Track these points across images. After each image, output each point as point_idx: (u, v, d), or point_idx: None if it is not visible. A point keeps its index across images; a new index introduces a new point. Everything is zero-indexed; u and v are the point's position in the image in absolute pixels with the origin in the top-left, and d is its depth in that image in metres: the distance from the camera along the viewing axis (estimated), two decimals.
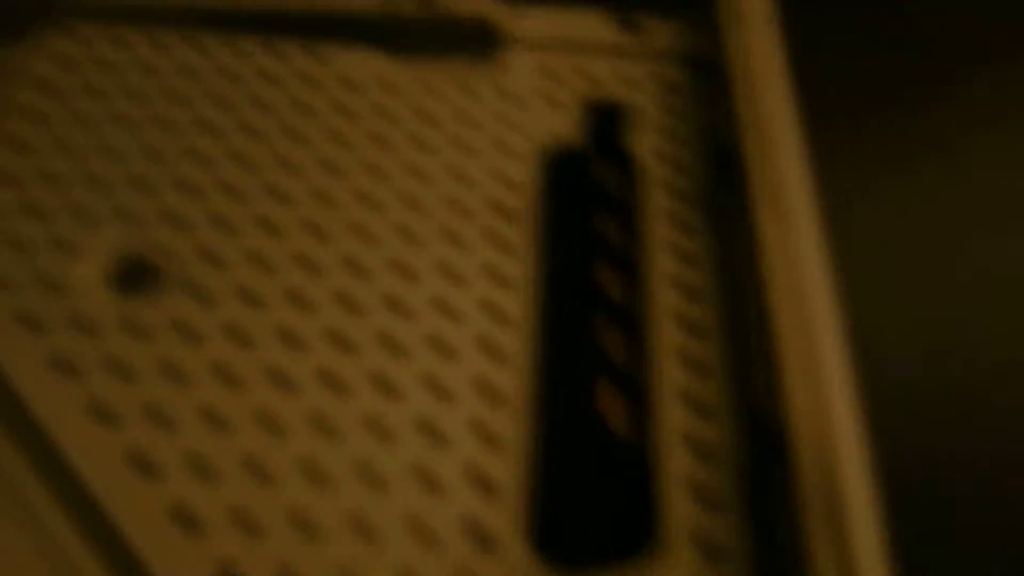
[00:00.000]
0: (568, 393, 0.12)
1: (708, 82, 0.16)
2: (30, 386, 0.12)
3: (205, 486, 0.11)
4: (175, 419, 0.12)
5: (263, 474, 0.12)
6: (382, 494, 0.11)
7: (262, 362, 0.13)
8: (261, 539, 0.11)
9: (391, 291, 0.13)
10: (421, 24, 0.17)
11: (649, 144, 0.15)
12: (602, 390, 0.12)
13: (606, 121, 0.15)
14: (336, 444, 0.12)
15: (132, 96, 0.16)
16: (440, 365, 0.13)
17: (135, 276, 0.14)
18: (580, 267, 0.13)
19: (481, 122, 0.16)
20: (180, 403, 0.12)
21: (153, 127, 0.15)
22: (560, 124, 0.15)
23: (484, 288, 0.13)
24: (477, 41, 0.17)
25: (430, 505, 0.11)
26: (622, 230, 0.14)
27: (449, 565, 0.11)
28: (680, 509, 0.11)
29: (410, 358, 0.13)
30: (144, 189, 0.14)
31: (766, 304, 0.12)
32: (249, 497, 0.11)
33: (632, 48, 0.17)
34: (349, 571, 0.11)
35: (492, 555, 0.11)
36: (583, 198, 0.14)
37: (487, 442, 0.12)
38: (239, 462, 0.12)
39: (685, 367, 0.12)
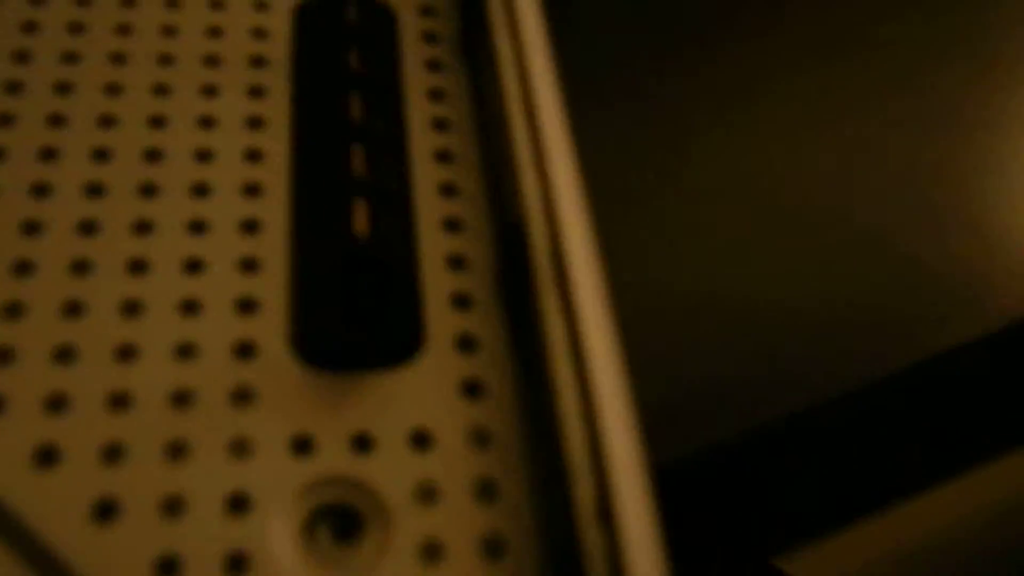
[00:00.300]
0: (325, 215, 0.12)
1: None
2: None
3: None
4: None
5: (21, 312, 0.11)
6: (145, 320, 0.11)
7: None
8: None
9: (147, 142, 0.13)
10: None
11: None
12: (357, 208, 0.12)
13: None
14: (97, 281, 0.11)
15: None
16: (200, 205, 0.12)
17: None
18: (335, 103, 0.13)
19: None
20: None
21: None
22: None
23: (240, 131, 0.13)
24: None
25: (194, 328, 0.11)
26: (377, 70, 0.13)
27: (216, 377, 0.11)
28: (437, 313, 0.12)
29: (169, 199, 0.12)
30: None
31: (505, 118, 0.12)
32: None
33: None
34: (120, 392, 0.11)
35: (256, 363, 0.11)
36: (337, 41, 0.13)
37: (248, 268, 0.12)
38: None
39: (441, 191, 0.13)
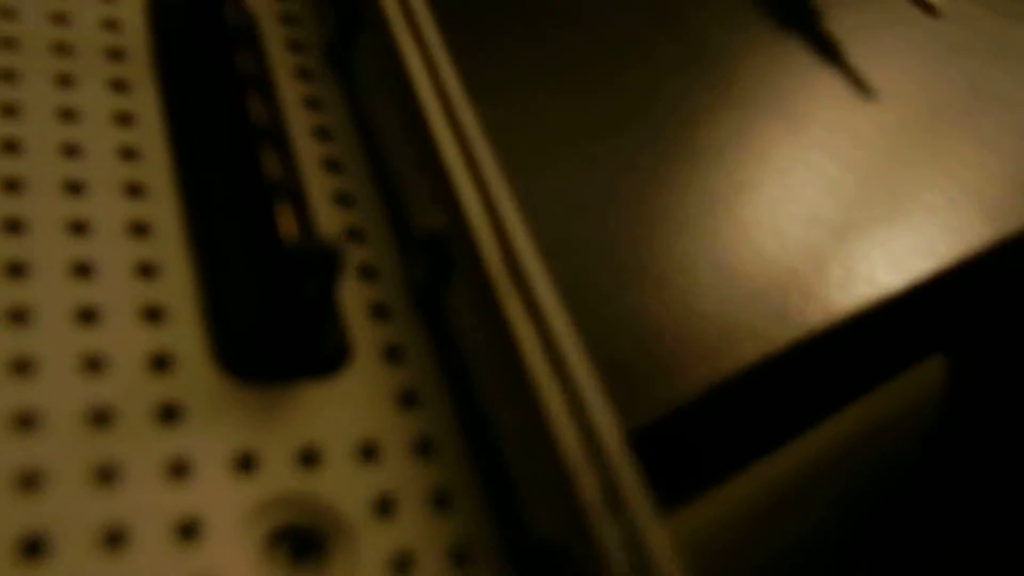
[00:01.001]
0: (241, 218, 0.11)
1: None
2: None
3: None
4: None
5: None
6: (42, 334, 0.10)
7: None
8: None
9: (7, 137, 0.11)
10: None
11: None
12: (281, 211, 0.11)
13: None
14: None
15: None
16: (80, 205, 0.11)
17: None
18: (228, 103, 0.12)
19: None
20: None
21: None
22: None
23: (107, 127, 0.12)
24: None
25: (99, 340, 0.10)
26: (263, 73, 0.12)
27: (135, 393, 0.10)
28: (359, 323, 0.11)
29: (45, 200, 0.11)
30: None
31: (425, 122, 0.12)
32: None
33: None
34: (27, 416, 0.09)
35: (177, 376, 0.10)
36: (219, 41, 0.12)
37: (147, 274, 0.11)
38: None
39: (335, 201, 0.12)
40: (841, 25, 0.26)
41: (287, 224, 0.11)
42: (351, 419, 0.10)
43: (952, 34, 0.28)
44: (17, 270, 0.10)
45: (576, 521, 0.09)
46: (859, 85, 0.23)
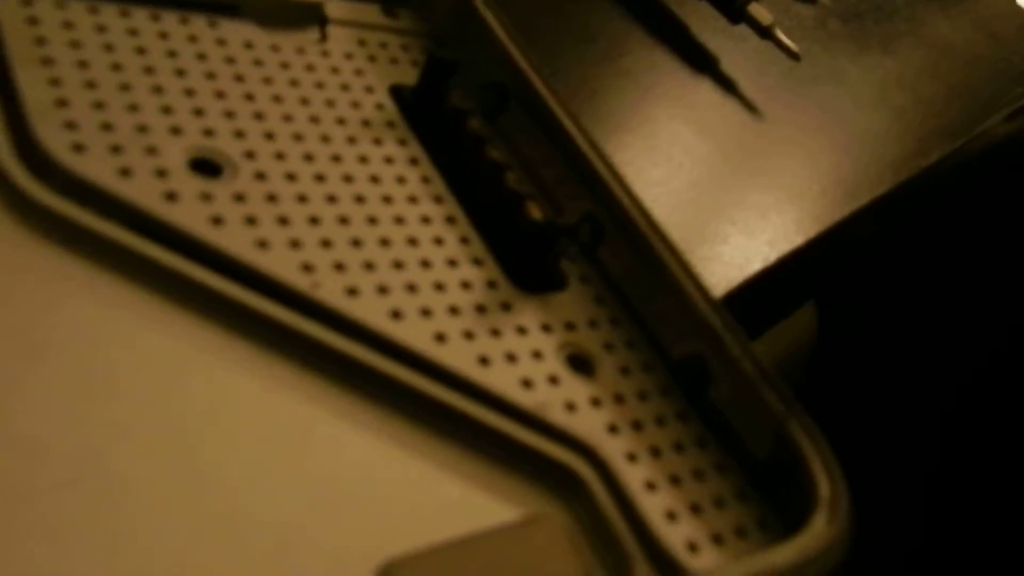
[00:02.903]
0: (492, 207, 0.21)
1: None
2: None
3: None
4: None
5: None
6: (425, 272, 0.18)
7: None
8: None
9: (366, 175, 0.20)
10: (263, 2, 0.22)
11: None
12: (531, 207, 0.21)
13: (439, 69, 0.22)
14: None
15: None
16: (411, 208, 0.20)
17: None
18: (474, 151, 0.22)
19: (337, 68, 0.22)
20: None
21: None
22: (384, 74, 0.23)
23: (405, 165, 0.21)
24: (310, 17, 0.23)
25: (455, 274, 0.20)
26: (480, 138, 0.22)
27: (477, 304, 0.18)
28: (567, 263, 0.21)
29: (390, 209, 0.20)
30: None
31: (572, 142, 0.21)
32: None
33: (400, 28, 0.24)
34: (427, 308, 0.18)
35: (497, 289, 0.20)
36: (445, 115, 0.21)
37: (464, 242, 0.20)
38: None
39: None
40: (728, 66, 0.37)
41: (535, 212, 0.20)
42: (576, 309, 0.20)
43: (804, 68, 0.41)
44: (399, 265, 0.19)
45: (710, 340, 0.19)
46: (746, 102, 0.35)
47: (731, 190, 0.32)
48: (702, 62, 0.37)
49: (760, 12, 0.37)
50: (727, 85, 0.37)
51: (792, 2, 0.45)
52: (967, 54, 0.48)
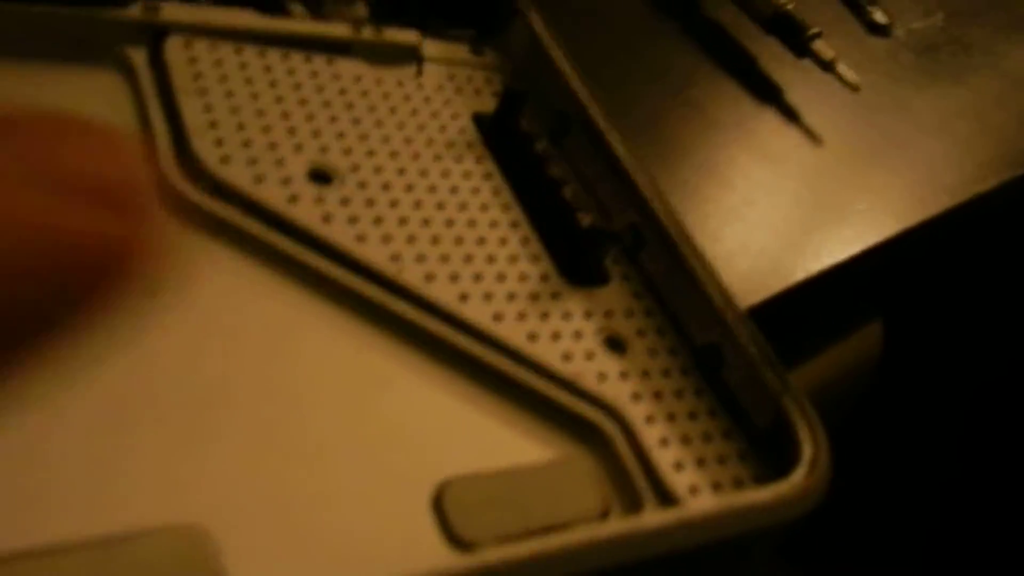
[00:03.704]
0: (553, 216, 0.26)
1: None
2: None
3: None
4: None
5: None
6: (489, 265, 0.22)
7: None
8: None
9: (448, 189, 0.25)
10: (370, 44, 0.27)
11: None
12: (582, 216, 0.25)
13: (513, 100, 0.26)
14: None
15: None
16: (485, 214, 0.25)
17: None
18: (538, 168, 0.26)
19: (429, 98, 0.26)
20: None
21: None
22: (469, 103, 0.27)
23: (480, 179, 0.26)
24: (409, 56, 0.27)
25: (515, 268, 0.24)
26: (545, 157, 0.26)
27: (535, 292, 0.22)
28: (609, 266, 0.25)
29: (467, 214, 0.24)
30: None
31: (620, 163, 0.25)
32: None
33: (485, 64, 0.29)
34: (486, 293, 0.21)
35: (548, 282, 0.23)
36: (517, 138, 0.26)
37: (524, 243, 0.25)
38: None
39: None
40: (793, 97, 0.41)
41: (585, 219, 0.25)
42: (617, 300, 0.24)
43: (869, 98, 0.44)
44: (469, 258, 0.24)
45: (724, 331, 0.23)
46: (811, 135, 0.38)
47: (779, 207, 0.35)
48: (767, 93, 0.41)
49: (823, 48, 0.40)
50: (790, 114, 0.40)
51: (866, 36, 0.48)
52: None
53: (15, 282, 0.10)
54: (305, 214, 0.22)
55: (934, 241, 0.42)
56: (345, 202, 0.23)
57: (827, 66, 0.40)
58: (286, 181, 0.23)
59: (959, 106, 0.46)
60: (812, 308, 0.38)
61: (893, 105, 0.44)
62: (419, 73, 0.28)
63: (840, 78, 0.40)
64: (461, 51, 0.30)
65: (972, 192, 0.41)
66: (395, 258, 0.22)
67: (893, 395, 0.55)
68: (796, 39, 0.41)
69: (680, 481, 0.20)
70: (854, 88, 0.40)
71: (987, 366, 0.55)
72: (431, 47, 0.29)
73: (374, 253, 0.22)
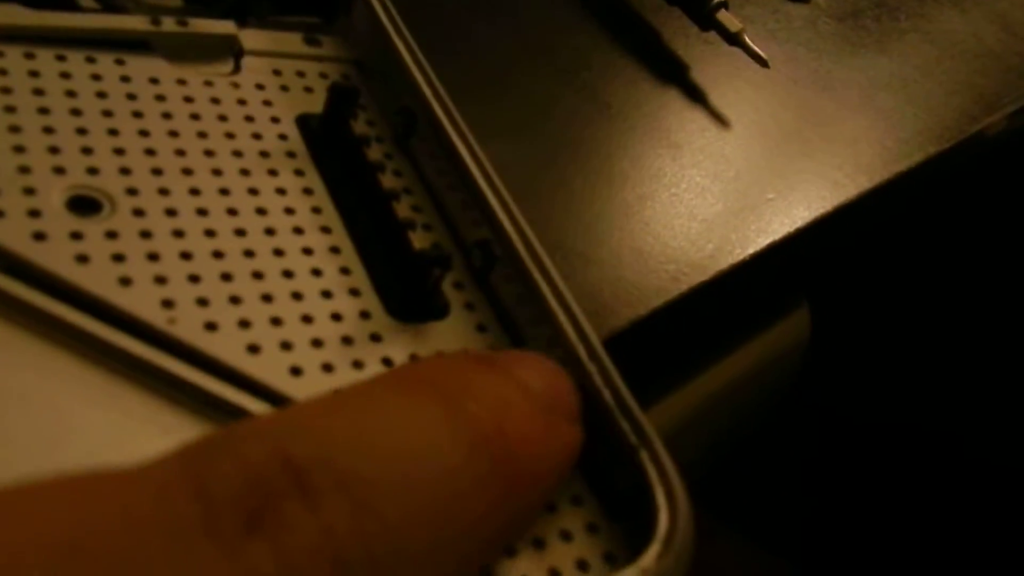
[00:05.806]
0: (381, 239, 0.22)
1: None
2: None
3: None
4: None
5: None
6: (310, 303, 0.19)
7: None
8: None
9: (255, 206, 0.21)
10: (173, 37, 0.23)
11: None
12: (413, 237, 0.21)
13: (340, 98, 0.22)
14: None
15: None
16: (299, 240, 0.21)
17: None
18: (367, 178, 0.22)
19: (245, 99, 0.22)
20: None
21: None
22: (296, 103, 0.24)
23: (300, 196, 0.22)
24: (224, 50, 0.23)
25: (335, 306, 0.20)
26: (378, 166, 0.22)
27: (352, 326, 0.19)
28: (449, 292, 0.22)
29: (284, 240, 0.21)
30: None
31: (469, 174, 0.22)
32: None
33: (321, 56, 0.25)
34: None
35: (373, 320, 0.20)
36: (347, 144, 0.22)
37: (344, 273, 0.21)
38: None
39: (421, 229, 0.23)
40: (698, 75, 0.37)
41: (419, 241, 0.21)
42: (453, 338, 0.20)
43: (784, 71, 0.40)
44: (267, 298, 0.20)
45: (578, 372, 0.19)
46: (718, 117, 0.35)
47: (681, 200, 0.32)
48: (669, 72, 0.37)
49: (728, 19, 0.36)
50: (695, 95, 0.37)
51: (782, 2, 0.44)
52: (975, 50, 0.47)
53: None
54: (52, 254, 0.18)
55: (855, 224, 0.39)
56: (111, 236, 0.19)
57: (733, 39, 0.36)
58: (35, 214, 0.19)
59: (883, 77, 0.42)
60: (727, 303, 0.34)
61: (811, 79, 0.40)
62: (236, 69, 0.24)
63: (747, 51, 0.36)
64: (293, 41, 0.26)
65: (893, 172, 0.38)
66: (167, 304, 0.18)
67: (822, 378, 0.52)
68: (700, 10, 0.37)
69: (509, 571, 0.17)
70: (763, 63, 0.36)
71: (915, 345, 0.52)
72: (253, 38, 0.25)
73: (140, 298, 0.18)
